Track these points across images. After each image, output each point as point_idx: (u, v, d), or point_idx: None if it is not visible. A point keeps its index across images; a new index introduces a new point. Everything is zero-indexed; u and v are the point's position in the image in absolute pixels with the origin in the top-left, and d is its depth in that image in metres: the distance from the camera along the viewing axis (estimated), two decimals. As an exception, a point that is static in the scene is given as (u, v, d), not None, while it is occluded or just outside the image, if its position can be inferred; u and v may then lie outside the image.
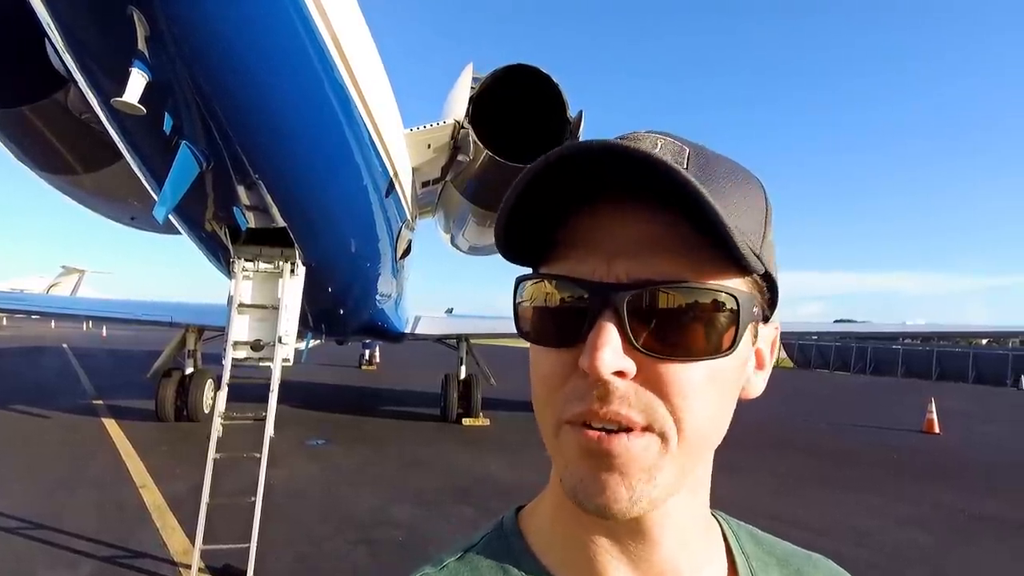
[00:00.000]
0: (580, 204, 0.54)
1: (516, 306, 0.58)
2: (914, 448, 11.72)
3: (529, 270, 0.60)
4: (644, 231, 0.52)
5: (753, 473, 8.47)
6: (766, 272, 0.55)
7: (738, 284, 0.54)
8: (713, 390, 0.53)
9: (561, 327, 0.54)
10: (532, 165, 0.51)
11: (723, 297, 0.52)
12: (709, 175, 0.51)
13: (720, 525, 0.68)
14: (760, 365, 0.61)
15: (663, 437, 0.51)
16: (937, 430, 13.27)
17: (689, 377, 0.51)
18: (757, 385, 0.61)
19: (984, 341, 33.92)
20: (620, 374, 0.49)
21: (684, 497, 0.57)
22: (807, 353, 36.92)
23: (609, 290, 0.51)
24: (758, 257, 0.53)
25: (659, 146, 0.52)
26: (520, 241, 0.57)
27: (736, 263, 0.51)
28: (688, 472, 0.55)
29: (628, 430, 0.50)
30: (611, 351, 0.48)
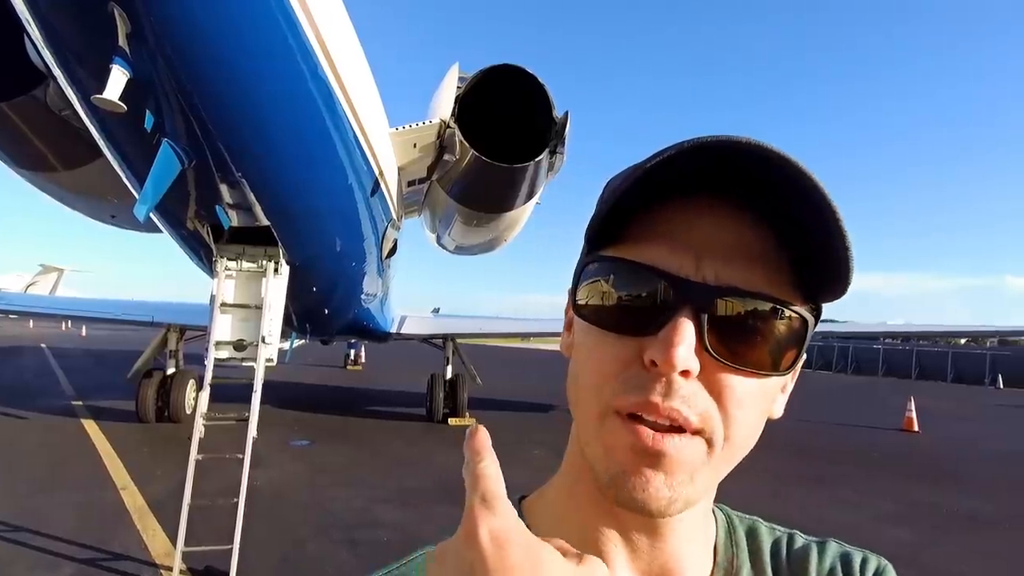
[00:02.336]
0: (666, 196, 0.54)
1: (578, 286, 0.57)
2: (893, 446, 11.92)
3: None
4: (738, 236, 0.52)
5: (735, 470, 8.53)
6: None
7: (804, 308, 0.54)
8: (760, 404, 0.54)
9: (631, 315, 0.53)
10: (665, 149, 0.49)
11: (797, 320, 0.53)
12: None
13: (715, 518, 0.68)
14: (784, 388, 0.61)
15: (710, 443, 0.52)
16: (916, 428, 13.48)
17: (747, 389, 0.52)
18: (780, 406, 0.61)
19: (963, 341, 34.49)
20: (685, 373, 0.49)
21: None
22: (790, 352, 37.22)
23: (696, 289, 0.51)
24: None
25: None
26: (607, 225, 0.56)
27: (814, 286, 0.53)
28: (720, 477, 0.57)
29: (680, 430, 0.50)
30: (686, 349, 0.48)
